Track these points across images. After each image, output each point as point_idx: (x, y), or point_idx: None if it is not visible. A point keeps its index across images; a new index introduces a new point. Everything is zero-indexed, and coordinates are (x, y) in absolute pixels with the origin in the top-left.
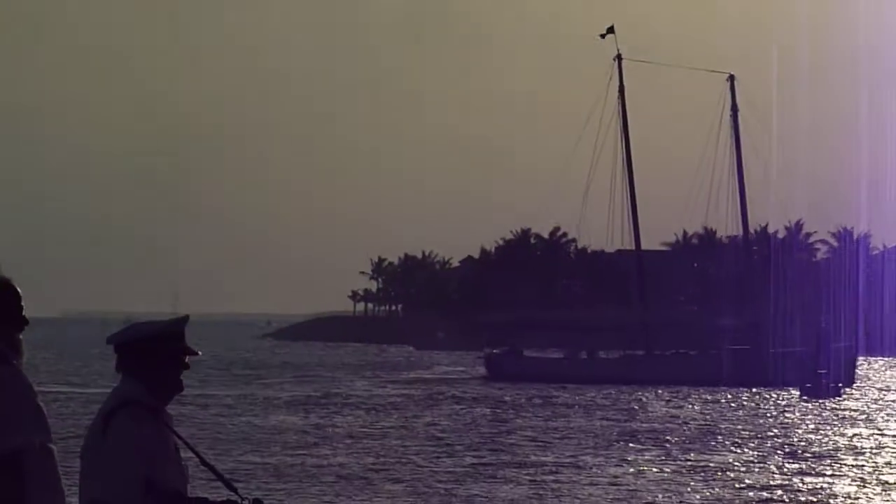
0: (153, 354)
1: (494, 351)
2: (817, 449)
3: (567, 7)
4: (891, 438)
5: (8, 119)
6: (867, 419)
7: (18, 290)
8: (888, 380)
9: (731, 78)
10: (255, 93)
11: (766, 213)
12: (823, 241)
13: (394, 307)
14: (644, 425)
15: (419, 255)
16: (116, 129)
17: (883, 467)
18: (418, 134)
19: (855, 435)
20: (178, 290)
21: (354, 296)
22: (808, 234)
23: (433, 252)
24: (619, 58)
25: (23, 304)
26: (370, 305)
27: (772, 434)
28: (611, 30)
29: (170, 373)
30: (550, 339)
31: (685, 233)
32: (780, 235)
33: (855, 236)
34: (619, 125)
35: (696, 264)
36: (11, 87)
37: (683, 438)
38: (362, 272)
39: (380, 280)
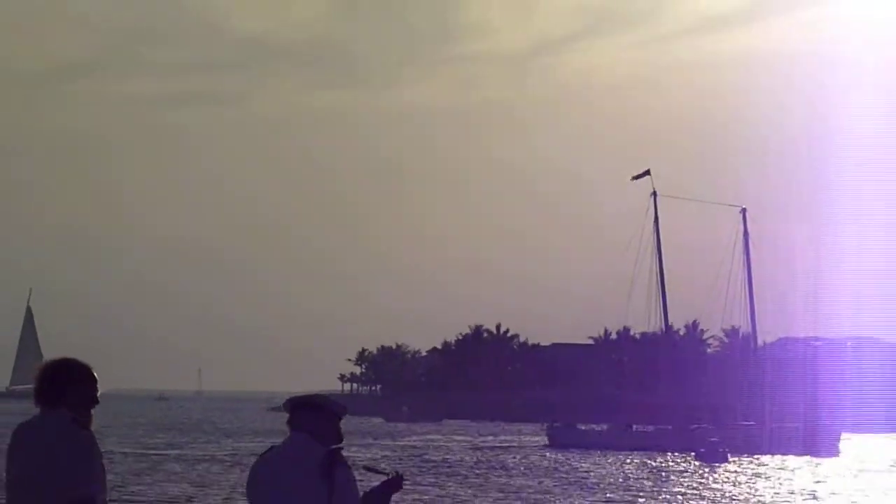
0: (330, 418)
1: (555, 424)
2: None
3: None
4: (731, 484)
5: None
6: (735, 475)
7: (95, 374)
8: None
9: (743, 211)
10: (251, 216)
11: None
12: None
13: (374, 387)
14: None
15: (394, 346)
16: (126, 230)
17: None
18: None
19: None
20: (200, 369)
21: (342, 377)
22: (703, 331)
23: (405, 344)
24: (654, 194)
25: (98, 386)
26: (355, 385)
27: None
28: (647, 172)
29: (335, 430)
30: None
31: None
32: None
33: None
34: (652, 251)
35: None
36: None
37: None
38: (349, 359)
39: (363, 366)
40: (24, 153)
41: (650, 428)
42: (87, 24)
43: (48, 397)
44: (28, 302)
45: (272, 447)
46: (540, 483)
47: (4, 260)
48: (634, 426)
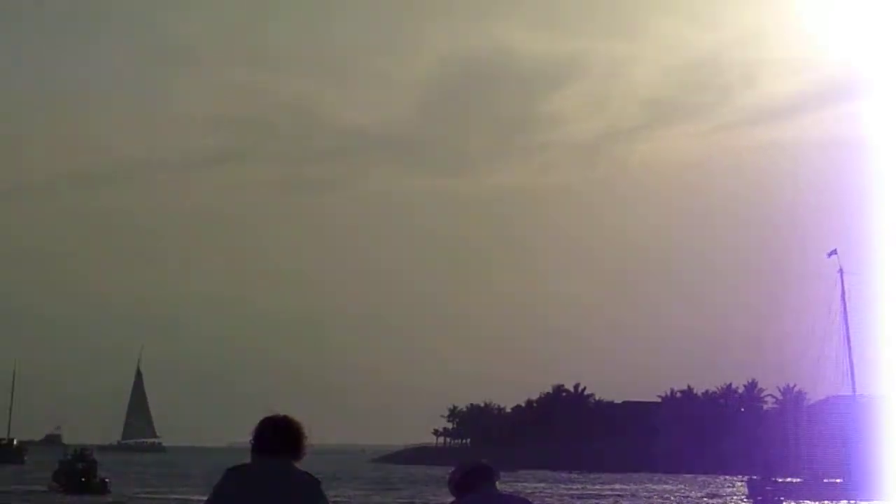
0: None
1: (754, 477)
2: None
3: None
4: None
5: None
6: None
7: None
8: None
9: (840, 272)
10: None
11: None
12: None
13: (464, 441)
14: None
15: (482, 404)
16: (238, 300)
17: None
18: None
19: None
20: (310, 426)
21: (436, 432)
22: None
23: (493, 401)
24: (841, 271)
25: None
26: (448, 439)
27: None
28: (834, 252)
29: None
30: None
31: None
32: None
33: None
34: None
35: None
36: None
37: None
38: (442, 416)
39: (454, 421)
40: (161, 228)
41: (796, 479)
42: (221, 119)
43: (285, 448)
44: (138, 364)
45: None
46: None
47: (117, 325)
48: (775, 478)
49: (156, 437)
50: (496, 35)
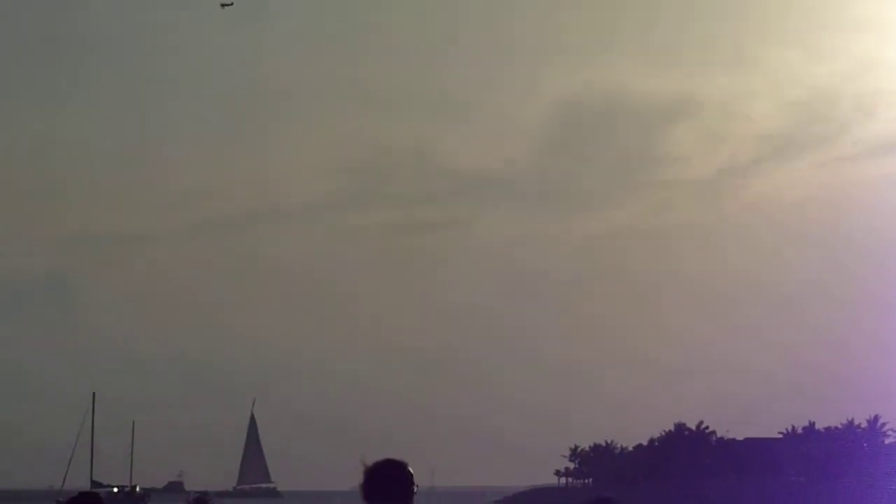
0: None
1: None
2: None
3: None
4: None
5: None
6: None
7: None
8: None
9: None
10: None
11: None
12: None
13: (586, 480)
14: None
15: (604, 443)
16: (358, 339)
17: None
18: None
19: None
20: (434, 469)
21: (558, 472)
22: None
23: (615, 441)
24: None
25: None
26: (570, 479)
27: None
28: None
29: None
30: None
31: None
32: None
33: None
34: None
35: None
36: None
37: None
38: (563, 455)
39: (576, 461)
40: (281, 272)
41: None
42: (338, 165)
43: (400, 494)
44: (252, 410)
45: None
46: None
47: (230, 371)
48: None
49: (270, 482)
50: (611, 73)
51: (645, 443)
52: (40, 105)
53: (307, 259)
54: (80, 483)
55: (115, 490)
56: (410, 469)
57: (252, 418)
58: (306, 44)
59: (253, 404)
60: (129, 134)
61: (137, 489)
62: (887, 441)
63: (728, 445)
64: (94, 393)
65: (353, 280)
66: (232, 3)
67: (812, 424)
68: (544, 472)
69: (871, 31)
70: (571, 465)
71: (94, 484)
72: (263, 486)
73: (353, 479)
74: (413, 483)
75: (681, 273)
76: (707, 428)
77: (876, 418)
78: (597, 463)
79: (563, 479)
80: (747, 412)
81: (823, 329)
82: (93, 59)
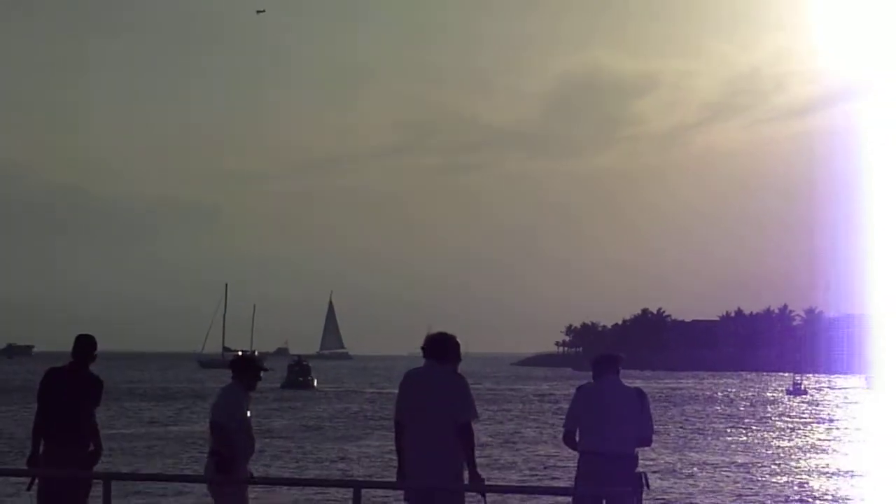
0: None
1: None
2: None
3: None
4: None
5: None
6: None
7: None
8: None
9: None
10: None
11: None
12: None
13: (578, 349)
14: None
15: (590, 323)
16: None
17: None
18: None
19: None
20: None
21: (558, 343)
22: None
23: (598, 321)
24: None
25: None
26: (566, 348)
27: None
28: None
29: None
30: None
31: None
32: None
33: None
34: None
35: None
36: None
37: None
38: (560, 331)
39: (570, 335)
40: (356, 203)
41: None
42: (397, 122)
43: (441, 354)
44: (330, 296)
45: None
46: None
47: (309, 269)
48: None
49: (343, 348)
50: (597, 57)
51: (620, 322)
52: (206, 83)
53: (371, 193)
54: (214, 348)
55: (240, 353)
56: (454, 337)
57: (330, 302)
58: (384, 32)
59: (331, 294)
60: (258, 103)
61: (256, 353)
62: (794, 324)
63: (680, 325)
64: (226, 283)
65: (407, 207)
66: (264, 11)
67: (740, 310)
68: (547, 342)
69: (784, 28)
70: (567, 339)
71: (225, 349)
72: (338, 350)
73: (410, 346)
74: (459, 347)
75: (644, 201)
76: (665, 312)
77: (785, 306)
78: (585, 337)
79: (561, 349)
80: (693, 300)
81: (746, 240)
82: (229, 45)
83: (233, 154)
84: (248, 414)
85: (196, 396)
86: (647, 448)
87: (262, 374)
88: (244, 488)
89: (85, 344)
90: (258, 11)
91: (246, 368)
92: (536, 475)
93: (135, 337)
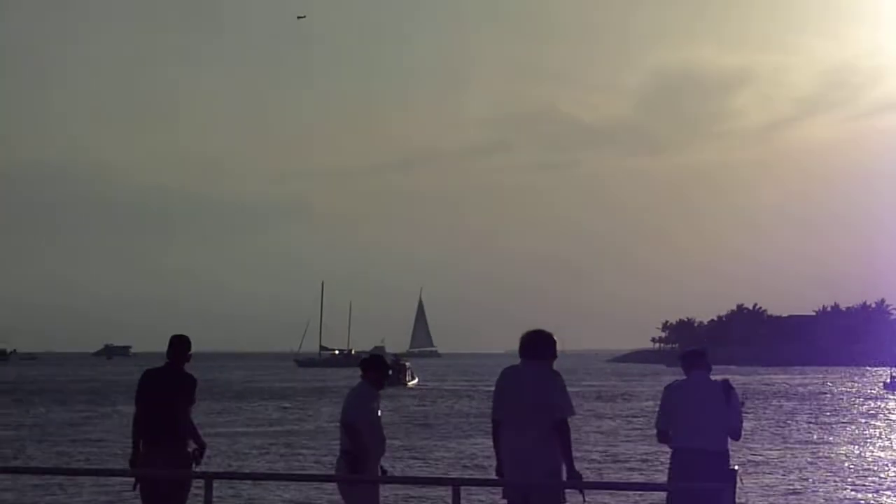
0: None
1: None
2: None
3: None
4: None
5: None
6: None
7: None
8: None
9: None
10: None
11: None
12: None
13: (674, 345)
14: None
15: (685, 319)
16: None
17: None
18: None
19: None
20: (563, 338)
21: (654, 339)
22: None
23: (694, 317)
24: None
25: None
26: (661, 345)
27: None
28: None
29: None
30: None
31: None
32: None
33: None
34: None
35: None
36: None
37: None
38: (657, 328)
39: (666, 331)
40: (444, 200)
41: None
42: (486, 119)
43: (539, 353)
44: (420, 296)
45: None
46: None
47: (400, 266)
48: None
49: (433, 346)
50: (691, 52)
51: (716, 318)
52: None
53: (464, 191)
54: (311, 347)
55: (337, 352)
56: (550, 335)
57: (420, 300)
58: (488, 30)
59: (420, 291)
60: (362, 98)
61: (353, 352)
62: (891, 318)
63: (776, 321)
64: (322, 281)
65: (500, 204)
66: (305, 17)
67: (837, 305)
68: (644, 339)
69: (879, 22)
70: (663, 335)
71: (323, 348)
72: (427, 349)
73: (496, 345)
74: (555, 344)
75: (739, 196)
76: (761, 308)
77: (882, 300)
78: (681, 333)
79: (657, 345)
80: (790, 296)
81: (842, 235)
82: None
83: (325, 151)
84: (379, 413)
85: (310, 394)
86: (737, 442)
87: (389, 372)
88: (376, 487)
89: (179, 344)
90: (299, 17)
91: (376, 367)
92: (634, 471)
93: (225, 338)
